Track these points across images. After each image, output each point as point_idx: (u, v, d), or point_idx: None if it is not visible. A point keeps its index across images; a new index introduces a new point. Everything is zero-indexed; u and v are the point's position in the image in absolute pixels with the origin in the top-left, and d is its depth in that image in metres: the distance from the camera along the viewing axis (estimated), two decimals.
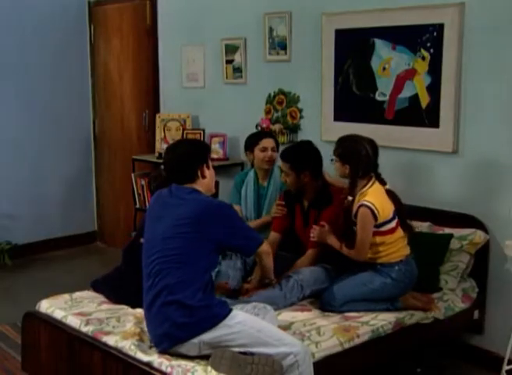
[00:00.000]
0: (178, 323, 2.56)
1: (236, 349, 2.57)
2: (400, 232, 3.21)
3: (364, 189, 3.16)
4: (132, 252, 3.39)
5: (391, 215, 3.16)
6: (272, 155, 3.86)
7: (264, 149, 3.86)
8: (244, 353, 2.57)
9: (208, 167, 2.84)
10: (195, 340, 2.56)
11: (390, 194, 3.24)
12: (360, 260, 3.18)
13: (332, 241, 3.27)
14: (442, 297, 3.40)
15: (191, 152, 2.84)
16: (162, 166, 4.38)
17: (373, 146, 3.22)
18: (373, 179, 3.19)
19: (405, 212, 3.29)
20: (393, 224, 3.18)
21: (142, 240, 3.30)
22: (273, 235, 3.63)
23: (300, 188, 3.50)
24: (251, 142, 3.94)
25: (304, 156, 3.49)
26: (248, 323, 2.62)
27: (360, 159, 3.15)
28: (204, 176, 2.81)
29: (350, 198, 3.21)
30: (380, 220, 3.11)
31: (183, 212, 2.68)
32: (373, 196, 3.12)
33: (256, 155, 3.89)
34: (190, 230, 2.64)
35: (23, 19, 5.41)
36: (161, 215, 2.75)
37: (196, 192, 2.77)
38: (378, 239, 3.16)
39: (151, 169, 5.15)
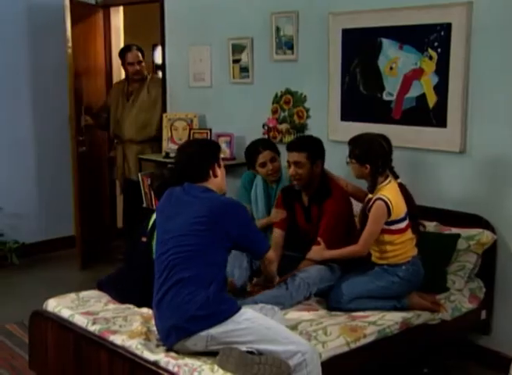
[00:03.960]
0: (188, 316, 2.58)
1: (244, 346, 2.57)
2: (409, 234, 3.21)
3: (382, 185, 3.16)
4: (134, 252, 3.40)
5: (403, 215, 3.16)
6: (274, 166, 3.83)
7: (263, 164, 3.83)
8: (252, 353, 2.57)
9: (219, 166, 2.89)
10: (203, 333, 2.57)
11: (403, 189, 3.24)
12: (361, 255, 3.18)
13: (330, 253, 3.29)
14: (449, 297, 3.39)
15: (203, 151, 2.88)
16: (169, 165, 4.41)
17: (387, 141, 3.22)
18: (389, 176, 3.19)
19: (417, 211, 3.29)
20: (403, 225, 3.17)
21: (144, 238, 3.32)
22: (277, 231, 3.62)
23: (309, 180, 3.48)
24: (249, 161, 3.91)
25: (318, 146, 3.52)
26: (257, 320, 2.63)
27: (378, 157, 3.15)
28: (215, 175, 2.86)
29: (370, 195, 3.20)
30: (392, 217, 3.11)
31: (198, 209, 2.71)
32: (390, 192, 3.13)
33: (259, 171, 3.87)
34: (206, 227, 2.68)
35: None
36: (174, 212, 2.78)
37: (209, 191, 2.81)
38: (387, 237, 3.15)
39: (155, 168, 5.17)
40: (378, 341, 2.98)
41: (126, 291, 3.27)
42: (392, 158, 3.26)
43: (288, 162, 3.52)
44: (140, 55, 5.36)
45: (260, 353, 2.58)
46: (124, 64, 5.38)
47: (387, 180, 3.18)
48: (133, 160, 5.29)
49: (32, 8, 5.49)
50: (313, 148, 3.48)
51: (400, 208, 3.14)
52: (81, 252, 5.36)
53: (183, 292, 2.61)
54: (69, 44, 5.15)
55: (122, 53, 5.39)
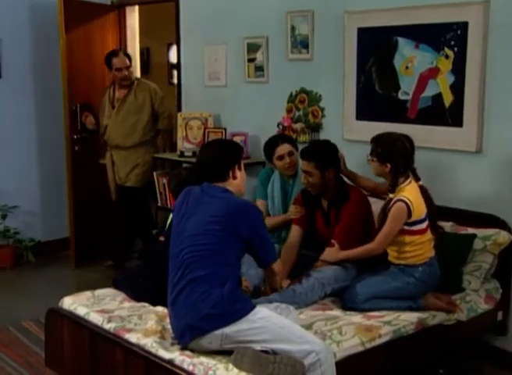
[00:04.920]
0: (202, 315, 2.59)
1: (258, 345, 2.58)
2: (428, 234, 3.19)
3: (402, 185, 3.14)
4: (152, 250, 3.42)
5: (423, 216, 3.14)
6: (291, 160, 3.83)
7: (281, 157, 3.83)
8: (266, 352, 2.57)
9: (239, 169, 2.88)
10: (218, 332, 2.58)
11: (423, 191, 3.23)
12: (376, 253, 3.17)
13: (344, 254, 3.28)
14: (464, 298, 3.37)
15: (224, 152, 2.88)
16: (185, 165, 4.42)
17: (410, 141, 3.20)
18: (410, 177, 3.18)
19: (436, 212, 3.28)
20: (424, 226, 3.16)
21: (162, 238, 3.33)
22: (295, 229, 3.59)
23: (322, 188, 3.48)
24: (267, 153, 3.91)
25: (327, 153, 3.49)
26: (271, 320, 2.63)
27: (400, 157, 3.13)
28: (234, 177, 2.85)
29: (390, 195, 3.19)
30: (413, 218, 3.10)
31: (215, 209, 2.72)
32: (410, 193, 3.11)
33: (276, 165, 3.87)
34: (221, 227, 2.68)
35: None
36: (192, 212, 2.78)
37: (228, 192, 2.81)
38: (408, 238, 3.14)
39: (172, 167, 5.19)
40: (394, 341, 2.96)
41: (142, 289, 3.28)
42: (414, 159, 3.23)
43: (303, 170, 3.52)
44: (127, 60, 5.17)
45: (274, 352, 2.58)
46: (111, 70, 5.16)
47: (408, 181, 3.16)
48: (123, 166, 5.20)
49: (35, 7, 5.49)
50: (322, 157, 3.44)
51: (420, 208, 3.13)
52: (74, 253, 5.37)
53: (198, 291, 2.62)
54: (62, 41, 5.16)
55: (109, 58, 5.17)
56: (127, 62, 5.16)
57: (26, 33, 5.46)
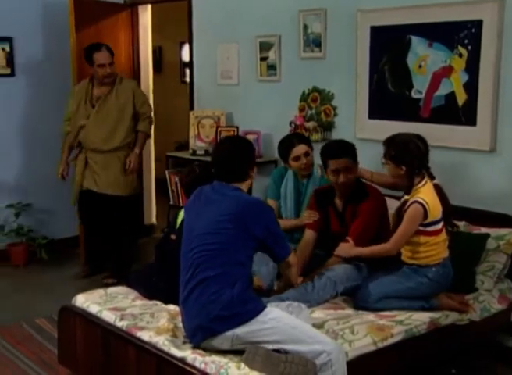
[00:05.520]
0: (213, 316, 2.59)
1: (270, 346, 2.57)
2: (443, 235, 3.18)
3: (418, 186, 3.13)
4: (164, 249, 3.42)
5: (439, 216, 3.13)
6: (307, 160, 3.80)
7: (297, 158, 3.78)
8: (278, 351, 2.57)
9: (253, 169, 2.88)
10: (229, 333, 2.58)
11: (438, 190, 3.21)
12: (390, 254, 3.16)
13: (358, 250, 3.26)
14: (477, 298, 3.35)
15: (245, 154, 2.85)
16: (196, 163, 4.43)
17: (423, 141, 3.18)
18: (426, 177, 3.16)
19: (451, 211, 3.26)
20: (439, 226, 3.14)
21: (173, 236, 3.34)
22: (309, 233, 3.58)
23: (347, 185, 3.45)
24: (282, 154, 3.86)
25: (355, 148, 3.49)
26: (282, 320, 2.63)
27: (414, 158, 3.11)
28: (251, 177, 2.86)
29: (406, 196, 3.18)
30: (429, 219, 3.08)
31: (225, 207, 2.71)
32: (426, 194, 3.09)
33: (291, 165, 3.83)
34: (232, 226, 2.66)
35: None
36: (202, 210, 2.78)
37: (238, 190, 2.80)
38: (423, 239, 3.13)
39: (185, 165, 5.20)
40: (406, 341, 2.95)
41: (155, 288, 3.29)
42: (429, 159, 3.21)
43: (334, 170, 3.40)
44: (110, 55, 4.79)
45: (286, 352, 2.57)
46: (92, 65, 4.76)
47: (423, 181, 3.14)
48: (104, 173, 4.82)
49: (47, 6, 5.51)
50: (354, 152, 3.46)
51: (436, 209, 3.11)
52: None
53: (208, 291, 2.61)
54: (73, 40, 5.16)
55: (90, 53, 4.77)
56: (110, 57, 4.79)
57: (38, 32, 5.49)
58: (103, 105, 4.82)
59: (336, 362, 2.57)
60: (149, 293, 3.30)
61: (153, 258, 3.53)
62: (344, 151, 3.43)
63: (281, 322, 2.61)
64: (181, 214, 3.35)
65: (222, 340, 2.60)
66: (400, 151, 3.13)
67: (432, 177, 3.20)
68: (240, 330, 2.58)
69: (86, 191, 4.90)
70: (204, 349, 2.66)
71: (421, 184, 3.13)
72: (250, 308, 2.61)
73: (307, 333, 2.63)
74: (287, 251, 2.85)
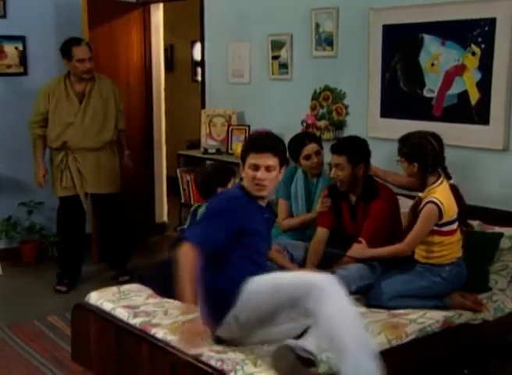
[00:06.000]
0: (207, 308, 2.64)
1: (267, 308, 2.57)
2: (458, 235, 3.17)
3: (434, 186, 3.11)
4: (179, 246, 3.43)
5: (454, 216, 3.12)
6: (318, 159, 3.80)
7: (308, 157, 3.78)
8: (308, 359, 2.49)
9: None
10: (228, 319, 2.62)
11: (454, 190, 3.20)
12: (405, 254, 3.15)
13: (372, 252, 3.26)
14: (491, 297, 3.34)
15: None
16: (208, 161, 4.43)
17: (437, 139, 3.17)
18: (442, 176, 3.15)
19: (467, 211, 3.25)
20: (454, 226, 3.14)
21: None
22: (321, 231, 3.58)
23: (351, 183, 3.47)
24: (293, 153, 3.84)
25: (360, 148, 3.48)
26: (263, 283, 2.61)
27: (427, 155, 3.10)
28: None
29: (420, 194, 3.16)
30: (444, 219, 3.07)
31: None
32: (442, 194, 3.08)
33: (302, 164, 3.83)
34: None
35: None
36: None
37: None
38: (437, 238, 3.12)
39: (196, 164, 5.22)
40: (419, 340, 2.95)
41: (170, 286, 3.28)
42: (445, 157, 3.20)
43: (329, 163, 3.51)
44: (89, 50, 4.60)
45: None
46: (70, 60, 4.55)
47: (439, 181, 3.13)
48: (94, 172, 4.67)
49: (60, 5, 5.52)
50: (354, 151, 3.44)
51: (451, 210, 3.10)
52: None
53: (201, 286, 2.62)
54: (86, 38, 5.11)
55: (68, 47, 4.57)
56: (90, 52, 4.59)
57: (51, 30, 5.51)
58: (89, 101, 4.63)
59: (330, 293, 2.46)
60: (163, 291, 3.30)
61: (166, 255, 3.53)
62: (341, 148, 3.47)
63: (263, 286, 2.60)
64: (200, 212, 3.36)
65: (228, 327, 2.64)
66: (412, 149, 3.13)
67: (448, 177, 3.19)
68: (233, 314, 2.60)
69: (71, 197, 4.72)
70: (222, 341, 2.70)
71: (436, 184, 3.12)
72: (232, 291, 2.63)
73: (289, 280, 2.59)
74: (192, 237, 2.64)
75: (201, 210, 3.37)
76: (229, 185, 3.48)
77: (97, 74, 4.75)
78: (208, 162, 4.94)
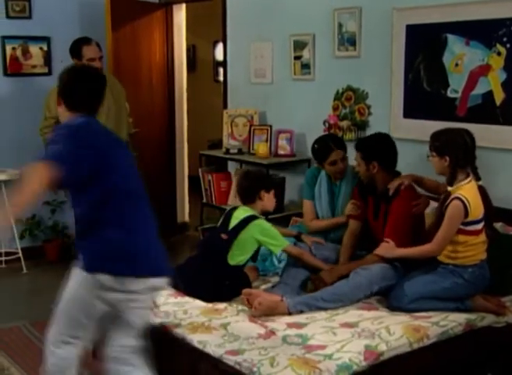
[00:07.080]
0: None
1: None
2: (483, 236, 3.14)
3: (462, 183, 3.08)
4: (210, 246, 3.42)
5: (480, 216, 3.09)
6: (344, 165, 3.78)
7: (334, 162, 3.75)
8: None
9: None
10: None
11: (482, 192, 3.17)
12: (435, 255, 3.12)
13: (401, 251, 3.23)
14: None
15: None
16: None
17: (470, 136, 3.14)
18: (471, 176, 3.12)
19: (493, 214, 3.21)
20: (480, 227, 3.10)
21: (224, 236, 3.35)
22: (353, 223, 3.60)
23: (370, 179, 3.47)
24: (319, 158, 3.82)
25: (374, 147, 3.46)
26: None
27: (458, 148, 3.07)
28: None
29: (449, 188, 3.13)
30: (470, 218, 3.04)
31: None
32: (469, 192, 3.05)
33: (326, 168, 3.81)
34: None
35: None
36: None
37: None
38: (461, 238, 3.09)
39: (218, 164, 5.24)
40: (441, 342, 2.92)
41: (197, 284, 3.28)
42: (476, 156, 3.16)
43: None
44: (99, 49, 4.47)
45: None
46: (80, 60, 4.37)
47: (468, 179, 3.09)
48: None
49: (83, 5, 5.56)
50: (368, 149, 3.44)
51: (478, 209, 3.07)
52: None
53: None
54: (109, 39, 5.18)
55: (78, 47, 4.42)
56: (100, 52, 4.47)
57: (74, 31, 5.52)
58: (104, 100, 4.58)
59: None
60: (189, 289, 3.28)
61: (190, 254, 3.52)
62: (357, 144, 3.57)
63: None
64: (235, 215, 3.38)
65: None
66: (444, 142, 3.10)
67: (478, 178, 3.15)
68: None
69: None
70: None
71: (465, 181, 3.08)
72: None
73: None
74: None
75: (236, 213, 3.42)
76: (273, 190, 3.54)
77: (107, 73, 4.67)
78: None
